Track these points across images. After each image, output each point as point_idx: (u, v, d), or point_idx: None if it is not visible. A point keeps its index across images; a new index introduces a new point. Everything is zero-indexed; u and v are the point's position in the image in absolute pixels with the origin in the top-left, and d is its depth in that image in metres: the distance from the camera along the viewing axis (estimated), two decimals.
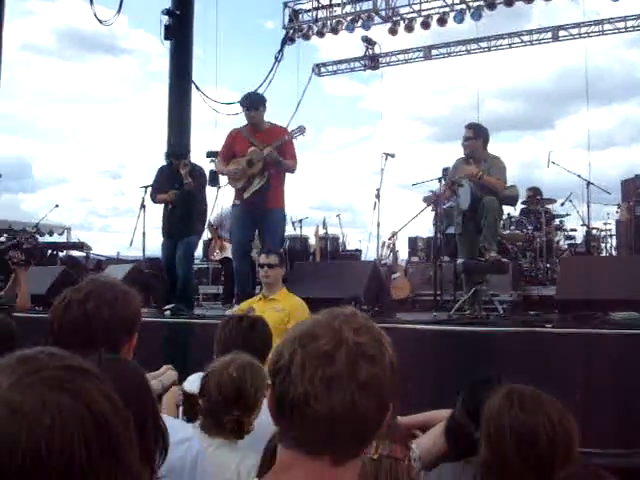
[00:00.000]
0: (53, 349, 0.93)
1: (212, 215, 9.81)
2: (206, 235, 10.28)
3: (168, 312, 7.53)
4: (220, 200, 9.83)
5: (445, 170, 9.67)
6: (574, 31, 15.74)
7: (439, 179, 9.08)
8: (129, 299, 2.16)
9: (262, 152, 7.12)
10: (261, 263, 5.76)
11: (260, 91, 14.51)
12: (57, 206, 14.47)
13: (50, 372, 0.87)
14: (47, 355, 0.90)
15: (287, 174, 7.44)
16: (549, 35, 16.13)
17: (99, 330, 2.02)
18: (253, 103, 7.37)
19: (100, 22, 11.52)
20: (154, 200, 8.10)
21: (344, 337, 1.23)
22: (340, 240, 13.50)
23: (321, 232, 12.40)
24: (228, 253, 9.54)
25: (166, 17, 12.59)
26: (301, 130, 7.37)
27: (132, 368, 1.73)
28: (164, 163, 8.22)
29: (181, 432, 2.16)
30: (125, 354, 2.09)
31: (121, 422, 0.90)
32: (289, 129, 7.63)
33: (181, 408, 3.10)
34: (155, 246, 10.19)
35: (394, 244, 10.39)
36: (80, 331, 2.02)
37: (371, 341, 1.25)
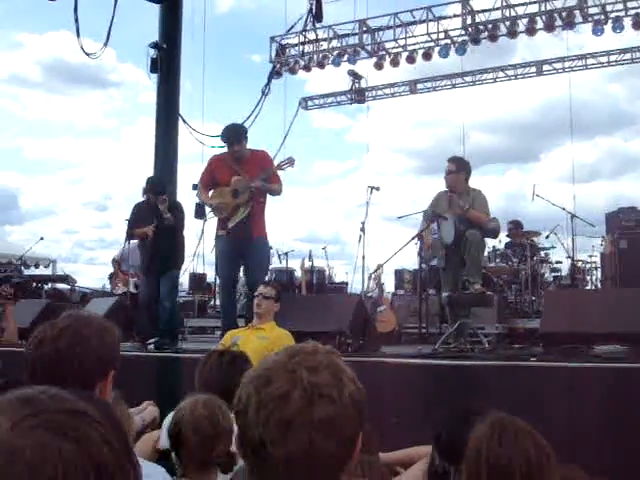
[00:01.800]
0: (53, 389, 0.90)
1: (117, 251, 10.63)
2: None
3: (152, 346, 7.49)
4: (206, 232, 9.85)
5: None
6: (558, 65, 15.97)
7: (424, 212, 9.11)
8: (106, 335, 2.09)
9: (248, 182, 7.15)
10: (257, 292, 5.77)
11: (247, 124, 14.63)
12: (42, 239, 14.47)
13: (52, 416, 0.84)
14: (48, 396, 0.87)
15: (267, 204, 7.48)
16: (533, 69, 16.36)
17: (71, 368, 1.97)
18: (235, 137, 7.38)
19: (87, 55, 11.55)
20: (131, 236, 8.08)
21: (298, 378, 1.20)
22: (326, 272, 13.51)
23: (307, 265, 12.40)
24: (130, 287, 10.05)
25: (153, 50, 12.66)
26: (290, 162, 7.39)
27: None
28: (142, 199, 8.20)
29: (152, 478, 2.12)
30: (101, 392, 2.04)
31: (120, 470, 0.87)
32: (276, 161, 7.66)
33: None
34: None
35: (380, 277, 10.39)
36: (52, 368, 1.97)
37: (328, 379, 1.22)
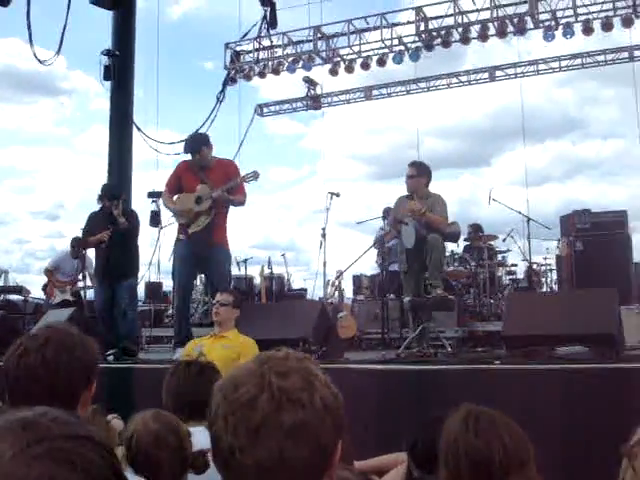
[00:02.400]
0: (53, 411, 0.84)
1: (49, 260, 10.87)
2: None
3: (111, 357, 7.34)
4: (162, 240, 9.74)
5: (386, 211, 9.78)
6: (510, 71, 16.19)
7: (382, 217, 9.13)
8: (87, 345, 2.08)
9: (211, 192, 7.11)
10: (214, 300, 5.72)
11: (202, 131, 14.53)
12: None
13: (56, 443, 0.78)
14: (50, 420, 0.81)
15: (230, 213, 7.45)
16: (486, 75, 16.55)
17: (58, 377, 1.93)
18: (195, 147, 7.37)
19: (40, 62, 11.38)
20: (85, 245, 8.00)
21: (266, 383, 1.16)
22: (285, 279, 13.47)
23: (266, 272, 12.34)
24: (67, 295, 10.34)
25: (105, 57, 12.50)
26: (255, 175, 7.38)
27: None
28: (97, 208, 8.11)
29: None
30: (84, 402, 2.03)
31: None
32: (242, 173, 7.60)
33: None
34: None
35: (340, 282, 10.39)
36: (38, 379, 1.92)
37: (299, 384, 1.17)
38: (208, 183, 7.20)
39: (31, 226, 38.46)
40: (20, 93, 42.28)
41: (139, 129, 13.34)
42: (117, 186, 8.37)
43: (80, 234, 8.50)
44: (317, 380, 1.20)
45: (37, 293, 12.67)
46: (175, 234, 7.53)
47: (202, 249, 7.22)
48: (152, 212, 9.16)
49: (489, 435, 2.05)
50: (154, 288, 13.96)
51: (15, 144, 43.70)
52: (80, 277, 10.61)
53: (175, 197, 7.48)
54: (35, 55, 11.07)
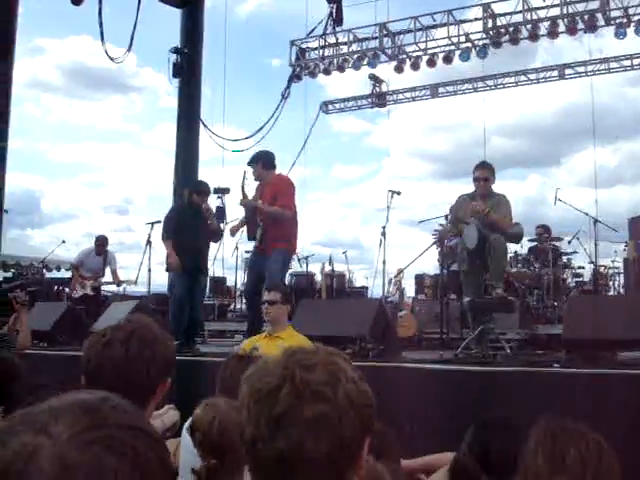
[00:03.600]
0: (114, 398, 0.87)
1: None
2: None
3: None
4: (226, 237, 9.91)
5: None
6: (580, 69, 15.85)
7: (445, 216, 9.05)
8: (167, 341, 2.15)
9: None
10: (263, 300, 5.73)
11: (266, 128, 14.67)
12: (64, 242, 14.54)
13: (112, 431, 0.80)
14: (110, 407, 0.84)
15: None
16: (555, 73, 16.24)
17: (139, 371, 1.99)
18: (249, 160, 7.75)
19: (111, 59, 11.64)
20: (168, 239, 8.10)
21: (290, 374, 1.16)
22: (346, 277, 13.49)
23: (327, 269, 12.38)
24: (87, 290, 10.73)
25: (174, 55, 12.75)
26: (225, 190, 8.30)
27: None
28: (173, 199, 8.33)
29: None
30: (158, 396, 2.09)
31: None
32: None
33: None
34: (162, 281, 10.28)
35: (400, 281, 10.35)
36: (120, 371, 1.97)
37: (323, 377, 1.16)
38: (258, 198, 7.60)
39: (101, 220, 39.58)
40: (91, 90, 43.58)
41: (206, 126, 13.55)
42: (207, 184, 8.43)
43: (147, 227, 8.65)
44: (344, 375, 1.19)
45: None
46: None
47: (261, 257, 7.57)
48: (217, 208, 9.29)
49: (581, 454, 1.98)
50: (218, 282, 14.18)
51: (87, 140, 45.04)
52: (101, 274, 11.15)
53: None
54: (107, 52, 11.34)
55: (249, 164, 7.70)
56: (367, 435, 1.23)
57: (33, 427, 0.78)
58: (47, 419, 0.79)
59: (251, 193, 7.67)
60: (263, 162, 7.69)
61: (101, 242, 11.11)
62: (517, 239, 7.79)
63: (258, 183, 7.73)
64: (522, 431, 2.13)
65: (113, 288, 11.64)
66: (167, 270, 8.21)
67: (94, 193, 43.54)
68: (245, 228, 7.79)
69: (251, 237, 7.65)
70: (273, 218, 7.45)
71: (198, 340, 8.00)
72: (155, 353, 2.04)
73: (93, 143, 43.84)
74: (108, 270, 11.12)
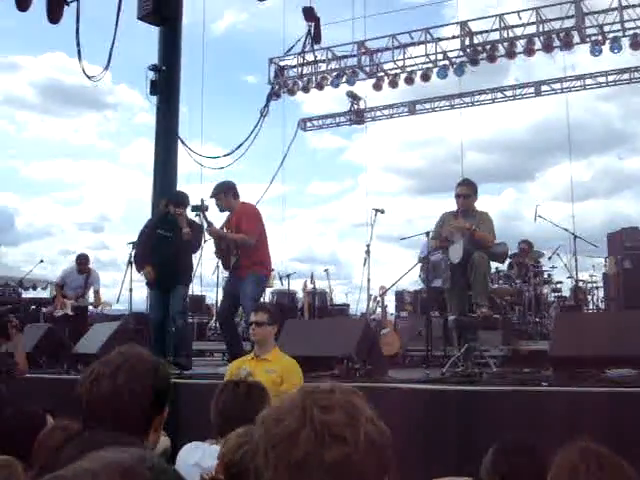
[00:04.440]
0: (150, 457, 0.82)
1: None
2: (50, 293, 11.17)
3: None
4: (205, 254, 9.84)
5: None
6: (556, 86, 16.05)
7: (426, 233, 9.05)
8: (160, 370, 2.08)
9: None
10: (250, 321, 5.67)
11: (245, 146, 14.64)
12: (42, 261, 14.39)
13: None
14: (147, 468, 0.80)
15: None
16: (531, 90, 16.43)
17: (130, 405, 1.94)
18: (212, 192, 7.75)
19: (89, 78, 11.54)
20: (139, 267, 8.04)
21: (309, 416, 1.12)
22: (328, 294, 13.46)
23: (309, 287, 12.35)
24: (68, 310, 10.53)
25: (152, 73, 12.67)
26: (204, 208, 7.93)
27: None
28: (151, 216, 8.21)
29: None
30: (156, 427, 2.03)
31: None
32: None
33: None
34: (140, 299, 10.18)
35: (383, 298, 10.34)
36: (110, 406, 1.93)
37: (342, 419, 1.12)
38: (228, 227, 7.67)
39: (76, 237, 39.21)
40: (65, 106, 43.24)
41: (184, 143, 13.46)
42: (185, 195, 8.24)
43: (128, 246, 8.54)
44: (362, 416, 1.16)
45: None
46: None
47: (234, 282, 7.65)
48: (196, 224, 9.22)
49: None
50: (197, 301, 14.06)
51: (61, 157, 44.69)
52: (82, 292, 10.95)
53: None
54: (84, 71, 11.24)
55: (216, 195, 7.69)
56: (387, 474, 1.19)
57: None
58: None
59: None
60: (233, 192, 7.76)
61: (83, 261, 10.95)
62: (501, 258, 7.83)
63: (228, 213, 7.76)
64: (544, 456, 2.10)
65: (91, 308, 11.47)
66: (147, 285, 8.16)
67: (69, 210, 43.13)
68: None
69: (227, 267, 7.76)
70: (237, 245, 7.52)
71: (182, 360, 7.65)
72: (145, 386, 1.99)
73: (68, 160, 43.43)
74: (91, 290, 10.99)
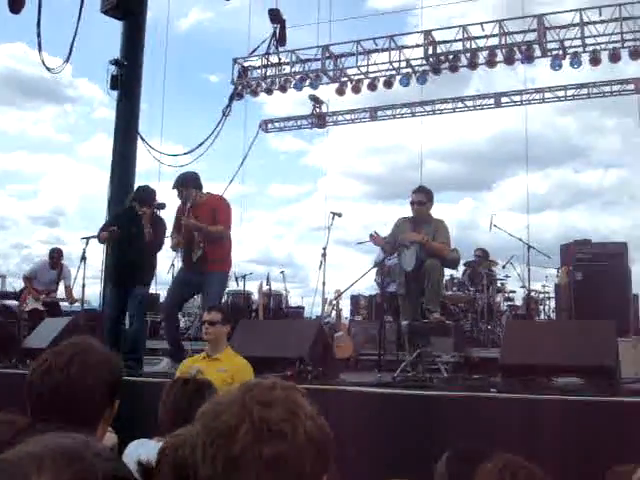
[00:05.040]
0: (96, 444, 0.81)
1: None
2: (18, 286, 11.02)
3: None
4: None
5: None
6: (516, 98, 16.31)
7: (383, 238, 9.09)
8: (112, 362, 2.07)
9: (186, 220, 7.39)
10: (203, 320, 5.65)
11: (206, 144, 14.58)
12: None
13: None
14: (94, 455, 0.79)
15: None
16: (492, 101, 16.68)
17: (82, 397, 1.92)
18: (180, 183, 7.60)
19: (49, 70, 11.39)
20: (99, 237, 7.85)
21: (248, 411, 1.11)
22: (283, 296, 13.45)
23: (265, 288, 12.32)
24: (39, 304, 10.37)
25: (113, 67, 12.54)
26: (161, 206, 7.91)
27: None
28: (107, 212, 8.08)
29: None
30: (106, 419, 2.02)
31: None
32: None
33: None
34: (93, 296, 10.05)
35: (337, 302, 10.37)
36: (62, 397, 1.90)
37: (281, 415, 1.12)
38: (188, 216, 7.42)
39: (30, 231, 38.54)
40: (24, 98, 42.36)
41: (143, 139, 13.37)
42: (151, 192, 7.99)
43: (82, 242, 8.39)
44: (302, 411, 1.16)
45: None
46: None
47: (198, 277, 7.43)
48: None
49: None
50: (151, 299, 13.91)
51: (18, 149, 43.89)
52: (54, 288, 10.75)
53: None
54: (44, 63, 11.10)
55: (180, 187, 7.55)
56: (325, 470, 1.19)
57: (14, 478, 0.73)
58: (28, 469, 0.74)
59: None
60: (195, 184, 7.65)
61: (56, 255, 10.75)
62: (454, 265, 7.94)
63: (189, 205, 7.58)
64: None
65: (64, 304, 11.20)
66: (99, 241, 7.98)
67: (23, 204, 42.36)
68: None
69: (187, 261, 7.56)
70: (214, 238, 7.40)
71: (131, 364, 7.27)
72: (97, 377, 1.97)
73: (24, 153, 42.65)
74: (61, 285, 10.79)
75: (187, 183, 7.59)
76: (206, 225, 7.38)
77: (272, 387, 1.18)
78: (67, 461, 0.76)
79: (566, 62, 13.22)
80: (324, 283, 8.01)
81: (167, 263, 12.33)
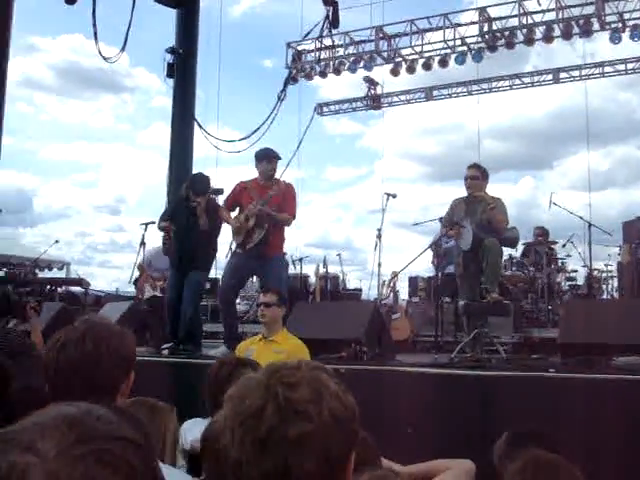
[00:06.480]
0: (97, 409, 0.85)
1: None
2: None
3: (166, 351, 7.45)
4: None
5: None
6: (575, 73, 15.91)
7: (440, 219, 9.05)
8: (125, 336, 2.11)
9: (254, 208, 7.29)
10: (259, 302, 5.70)
11: (262, 129, 14.65)
12: (57, 241, 14.49)
13: (101, 443, 0.78)
14: (96, 419, 0.81)
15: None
16: (550, 77, 16.31)
17: (98, 370, 1.97)
18: (272, 154, 7.59)
19: (105, 59, 11.56)
20: (159, 225, 7.93)
21: (273, 393, 1.13)
22: (340, 279, 13.48)
23: (321, 271, 12.37)
24: (157, 292, 10.00)
25: (169, 55, 12.71)
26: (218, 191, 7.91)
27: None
28: (166, 199, 8.16)
29: None
30: (123, 393, 2.07)
31: None
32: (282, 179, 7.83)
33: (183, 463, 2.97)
34: None
35: (395, 284, 10.34)
36: (79, 372, 1.95)
37: (306, 395, 1.14)
38: (257, 201, 7.36)
39: (93, 220, 39.50)
40: (82, 89, 43.45)
41: (200, 126, 13.50)
42: (205, 181, 7.89)
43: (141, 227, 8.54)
44: (327, 391, 1.17)
45: (99, 285, 12.88)
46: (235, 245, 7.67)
47: (258, 261, 7.39)
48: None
49: None
50: (212, 284, 14.11)
51: (79, 139, 44.91)
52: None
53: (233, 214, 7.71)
54: (100, 52, 11.26)
55: (272, 159, 7.56)
56: (352, 448, 1.21)
57: (19, 446, 0.75)
58: (32, 436, 0.77)
59: None
60: (277, 161, 7.67)
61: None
62: (512, 243, 7.81)
63: (253, 182, 7.58)
64: (553, 442, 2.12)
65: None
66: (165, 253, 8.05)
67: (86, 193, 43.43)
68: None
69: (245, 245, 7.45)
70: (280, 225, 7.45)
71: (189, 347, 7.54)
72: (111, 351, 2.01)
73: (84, 143, 43.73)
74: None
75: (277, 157, 7.66)
76: (276, 214, 7.36)
77: (297, 367, 1.20)
78: (68, 426, 0.78)
79: (625, 35, 12.83)
80: (380, 264, 8.00)
81: (225, 248, 12.46)
